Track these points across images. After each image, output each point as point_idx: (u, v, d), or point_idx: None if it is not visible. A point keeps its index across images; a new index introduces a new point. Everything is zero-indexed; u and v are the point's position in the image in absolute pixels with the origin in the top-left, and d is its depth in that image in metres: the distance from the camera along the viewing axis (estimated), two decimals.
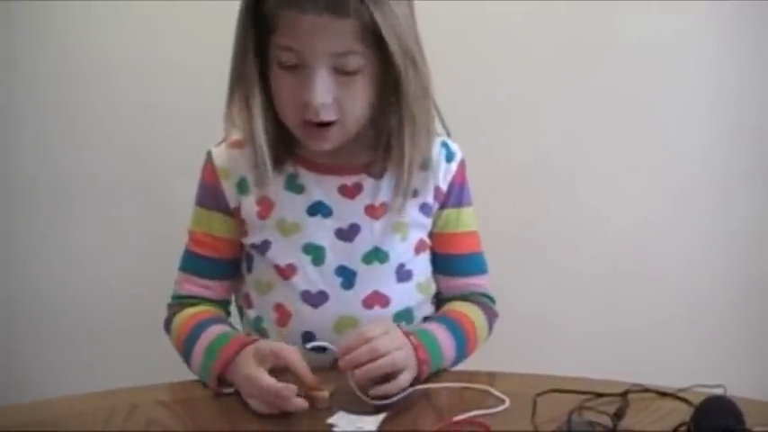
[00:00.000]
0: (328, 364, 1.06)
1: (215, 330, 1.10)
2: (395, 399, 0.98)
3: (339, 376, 1.00)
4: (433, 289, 1.21)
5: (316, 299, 1.13)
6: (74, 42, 1.63)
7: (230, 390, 1.03)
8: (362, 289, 1.14)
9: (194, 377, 1.10)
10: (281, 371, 1.00)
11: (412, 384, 1.02)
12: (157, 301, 1.65)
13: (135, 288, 1.68)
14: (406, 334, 1.05)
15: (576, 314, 1.74)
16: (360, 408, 0.98)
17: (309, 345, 1.07)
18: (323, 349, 1.06)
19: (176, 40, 1.62)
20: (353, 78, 1.05)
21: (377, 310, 1.14)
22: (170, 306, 1.20)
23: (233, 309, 1.25)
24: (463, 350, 1.14)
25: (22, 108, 1.65)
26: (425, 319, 1.19)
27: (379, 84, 1.08)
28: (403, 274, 1.16)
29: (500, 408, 0.99)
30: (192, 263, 1.19)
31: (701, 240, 1.75)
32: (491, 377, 1.08)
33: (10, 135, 1.66)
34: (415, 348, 1.04)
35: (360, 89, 1.07)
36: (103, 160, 1.67)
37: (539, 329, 1.72)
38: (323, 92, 1.04)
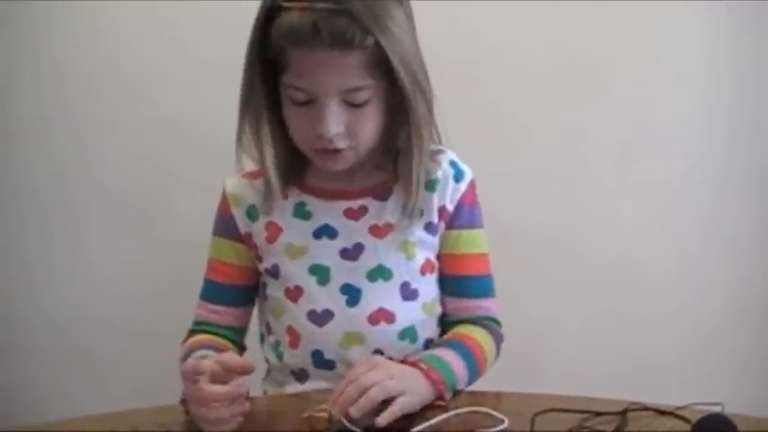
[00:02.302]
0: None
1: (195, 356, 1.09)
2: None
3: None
4: (438, 310, 1.21)
5: (321, 318, 1.15)
6: (81, 51, 1.64)
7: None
8: (367, 306, 1.15)
9: None
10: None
11: (437, 406, 1.03)
12: (157, 317, 1.67)
13: (134, 304, 1.69)
14: (414, 362, 1.05)
15: (572, 324, 1.73)
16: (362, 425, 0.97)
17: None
18: (332, 366, 1.12)
19: (186, 54, 1.63)
20: (363, 109, 1.09)
21: (382, 326, 1.15)
22: (188, 334, 1.23)
23: (254, 336, 1.27)
24: (474, 372, 1.14)
25: (27, 118, 1.66)
26: (430, 342, 1.19)
27: (386, 107, 1.12)
28: (408, 293, 1.17)
29: (499, 428, 0.98)
30: (206, 289, 1.24)
31: (701, 251, 1.75)
32: (489, 396, 1.08)
33: (14, 144, 1.67)
34: (426, 372, 1.04)
35: (369, 117, 1.10)
36: (106, 174, 1.68)
37: (535, 339, 1.72)
38: (334, 124, 1.08)
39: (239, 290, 1.23)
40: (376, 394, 0.97)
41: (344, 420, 0.97)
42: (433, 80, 1.61)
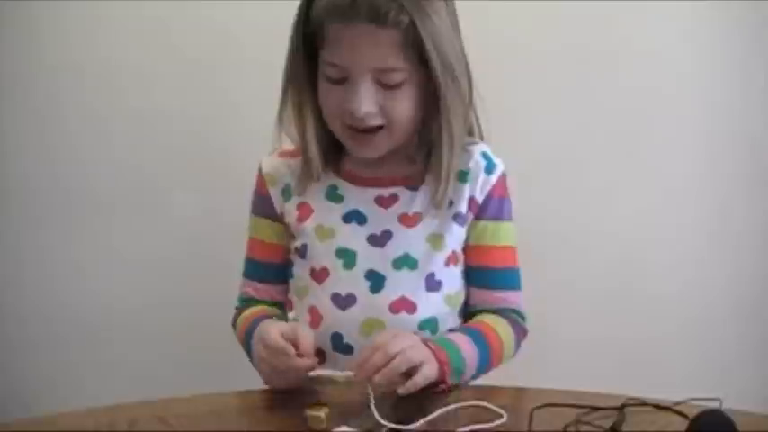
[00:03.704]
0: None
1: (267, 321, 1.13)
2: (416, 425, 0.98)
3: (336, 396, 1.01)
4: (461, 302, 1.22)
5: (344, 301, 1.17)
6: (71, 49, 1.64)
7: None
8: (390, 293, 1.16)
9: (195, 391, 1.10)
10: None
11: (438, 387, 1.05)
12: (155, 312, 1.67)
13: (133, 299, 1.69)
14: (424, 341, 1.06)
15: (572, 321, 1.74)
16: (361, 424, 0.97)
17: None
18: (350, 350, 1.15)
19: (180, 51, 1.63)
20: (397, 90, 1.10)
21: (403, 315, 1.16)
22: (236, 308, 1.27)
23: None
24: (487, 362, 1.14)
25: (21, 116, 1.66)
26: (450, 330, 1.19)
27: (422, 94, 1.12)
28: (433, 284, 1.18)
29: (497, 422, 0.99)
30: (249, 268, 1.27)
31: (700, 248, 1.75)
32: (487, 391, 1.08)
33: (8, 144, 1.67)
34: (434, 351, 1.04)
35: (404, 98, 1.11)
36: (103, 171, 1.68)
37: (535, 336, 1.72)
38: (367, 101, 1.09)
39: (280, 267, 1.24)
40: (400, 363, 0.99)
41: (372, 398, 0.98)
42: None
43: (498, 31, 1.66)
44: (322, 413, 0.98)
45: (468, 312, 1.23)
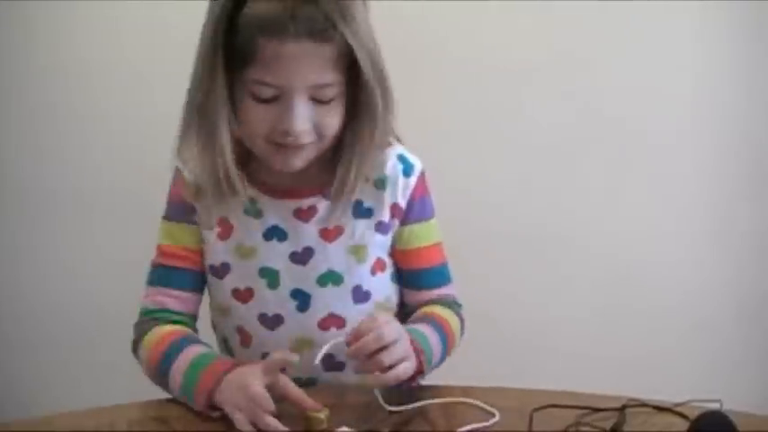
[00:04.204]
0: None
1: (196, 349, 1.09)
2: (412, 406, 1.00)
3: (334, 396, 1.02)
4: (393, 305, 1.21)
5: (272, 321, 1.15)
6: (64, 49, 1.65)
7: (217, 413, 1.01)
8: (318, 311, 1.15)
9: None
10: (277, 399, 0.99)
11: (414, 378, 1.05)
12: None
13: (131, 299, 1.69)
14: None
15: (572, 321, 1.74)
16: (361, 426, 0.98)
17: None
18: (282, 369, 1.06)
19: (169, 49, 1.62)
20: (330, 104, 1.05)
21: (333, 331, 1.14)
22: (139, 325, 1.17)
23: (206, 326, 1.24)
24: (446, 350, 1.15)
25: (8, 115, 1.67)
26: (405, 317, 1.19)
27: (347, 102, 1.07)
28: (360, 296, 1.16)
29: (493, 421, 0.99)
30: (164, 276, 1.17)
31: (702, 251, 1.76)
32: (488, 392, 1.08)
33: (6, 144, 1.67)
34: (411, 341, 1.04)
35: (336, 113, 1.06)
36: (91, 171, 1.68)
37: (535, 336, 1.73)
38: (302, 120, 1.03)
39: (200, 275, 1.18)
40: (390, 355, 0.99)
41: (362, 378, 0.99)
42: (432, 80, 1.62)
43: (496, 32, 1.67)
44: (322, 414, 0.98)
45: (406, 314, 1.22)
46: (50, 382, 1.71)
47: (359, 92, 1.05)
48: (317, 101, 1.04)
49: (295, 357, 1.02)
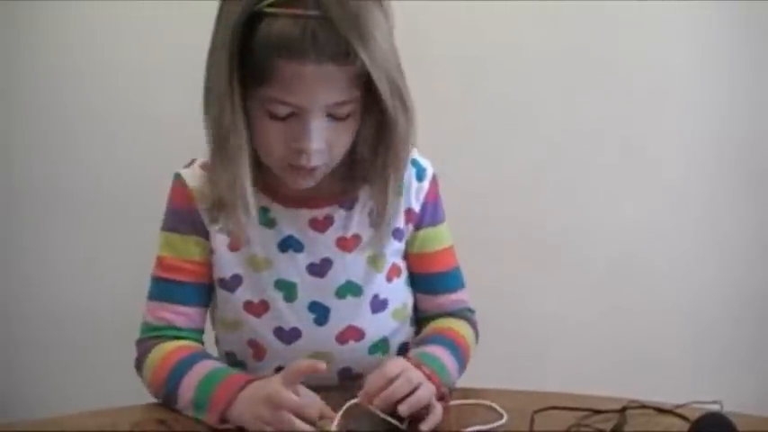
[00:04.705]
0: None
1: (209, 364, 1.07)
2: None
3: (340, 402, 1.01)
4: (409, 312, 1.20)
5: (288, 335, 1.12)
6: (74, 50, 1.65)
7: (229, 425, 0.99)
8: (336, 324, 1.13)
9: None
10: None
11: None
12: None
13: (138, 301, 1.69)
14: (417, 365, 1.03)
15: (572, 322, 1.74)
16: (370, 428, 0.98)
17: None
18: None
19: (177, 49, 1.62)
20: (345, 121, 1.03)
21: (351, 344, 1.13)
22: (142, 342, 1.13)
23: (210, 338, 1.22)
24: (462, 366, 1.15)
25: (21, 116, 1.66)
26: (405, 346, 1.17)
27: (361, 118, 1.06)
28: (377, 305, 1.15)
29: (498, 423, 0.99)
30: (167, 290, 1.13)
31: (703, 252, 1.76)
32: (489, 393, 1.08)
33: (9, 141, 1.67)
34: (429, 375, 1.02)
35: (349, 131, 1.05)
36: (102, 169, 1.68)
37: (536, 336, 1.73)
38: (318, 139, 1.01)
39: (207, 288, 1.14)
40: (402, 384, 0.97)
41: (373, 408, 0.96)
42: (435, 77, 1.62)
43: (498, 29, 1.67)
44: (333, 427, 0.96)
45: (420, 318, 1.22)
46: (58, 383, 1.71)
47: (378, 107, 1.02)
48: (332, 117, 1.02)
49: (322, 365, 0.97)
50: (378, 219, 1.11)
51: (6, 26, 1.62)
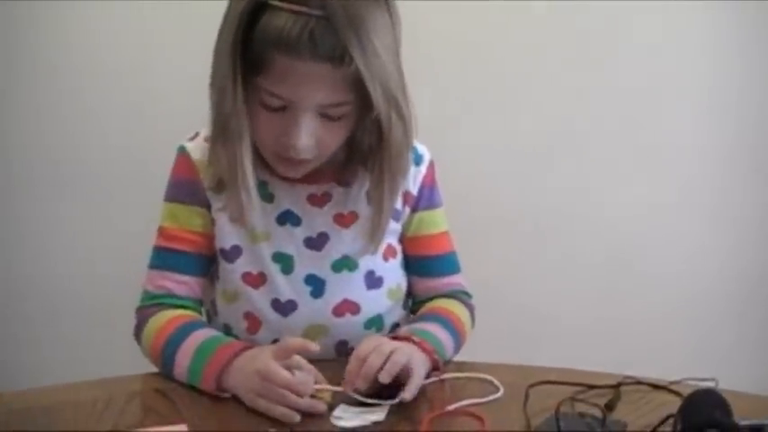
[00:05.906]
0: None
1: (204, 333, 1.08)
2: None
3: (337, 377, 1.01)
4: (403, 293, 1.21)
5: (285, 307, 1.13)
6: (71, 40, 1.64)
7: (227, 394, 1.01)
8: (332, 297, 1.14)
9: None
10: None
11: (429, 376, 1.04)
12: None
13: (129, 279, 1.69)
14: (406, 337, 1.05)
15: (570, 303, 1.75)
16: (360, 400, 0.98)
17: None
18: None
19: (173, 38, 1.62)
20: (337, 123, 1.05)
21: (347, 317, 1.14)
22: (141, 310, 1.15)
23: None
24: (458, 344, 1.16)
25: (19, 105, 1.66)
26: (396, 326, 1.18)
27: (358, 117, 1.07)
28: (373, 281, 1.16)
29: (492, 397, 1.00)
30: (168, 259, 1.14)
31: (698, 233, 1.77)
32: (484, 367, 1.09)
33: (9, 141, 1.67)
34: (419, 344, 1.04)
35: (341, 131, 1.06)
36: (100, 155, 1.68)
37: (533, 319, 1.74)
38: (307, 136, 1.03)
39: (207, 260, 1.15)
40: (399, 358, 0.97)
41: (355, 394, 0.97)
42: (438, 63, 1.61)
43: (502, 16, 1.66)
44: (325, 396, 0.98)
45: (415, 302, 1.23)
46: (56, 356, 1.71)
47: (373, 111, 1.02)
48: (325, 117, 1.03)
49: (315, 347, 0.98)
50: (371, 235, 1.13)
51: (6, 26, 1.61)
